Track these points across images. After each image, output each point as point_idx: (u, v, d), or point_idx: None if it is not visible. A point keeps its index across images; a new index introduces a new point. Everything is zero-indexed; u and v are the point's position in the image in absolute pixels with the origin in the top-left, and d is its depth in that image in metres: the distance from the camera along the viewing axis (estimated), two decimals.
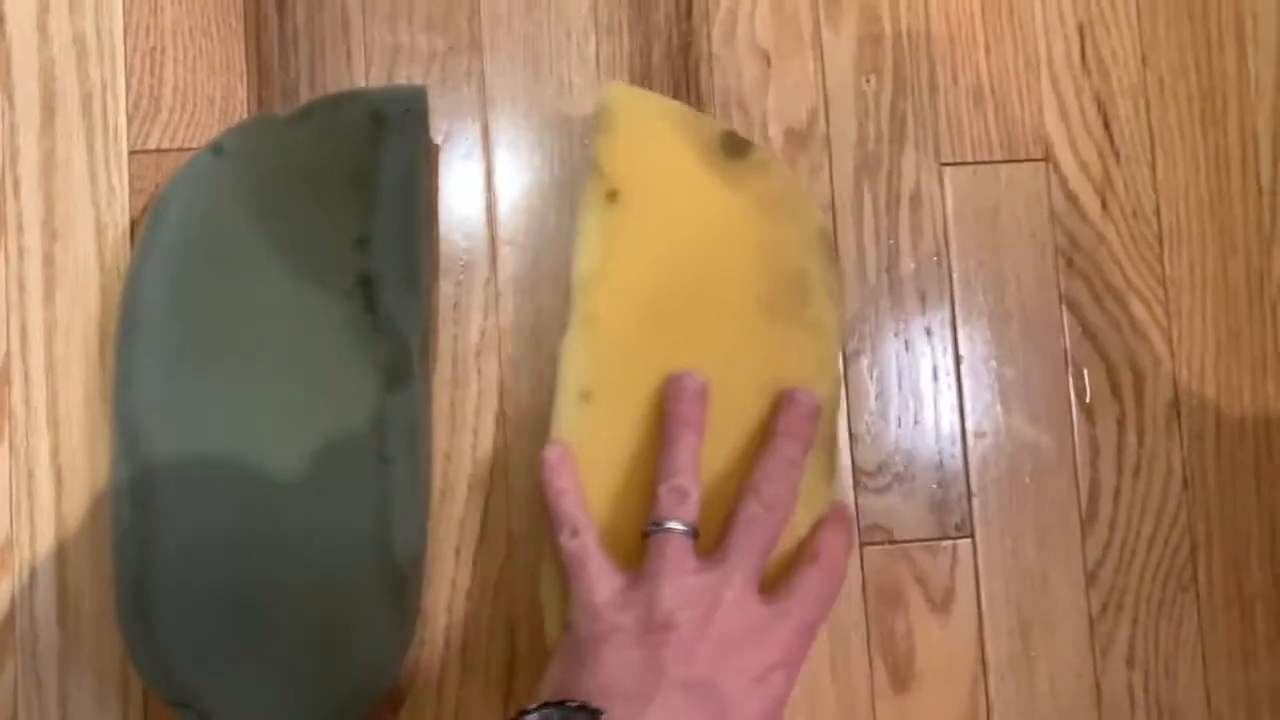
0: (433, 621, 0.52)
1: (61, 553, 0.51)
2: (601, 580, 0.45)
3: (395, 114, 0.50)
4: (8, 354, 0.52)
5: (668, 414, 0.48)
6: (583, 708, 0.40)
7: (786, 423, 0.47)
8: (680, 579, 0.44)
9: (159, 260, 0.49)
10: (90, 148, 0.53)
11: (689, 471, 0.46)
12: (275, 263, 0.49)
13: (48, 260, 0.53)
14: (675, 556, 0.45)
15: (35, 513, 0.51)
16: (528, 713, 0.40)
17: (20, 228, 0.53)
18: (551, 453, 0.47)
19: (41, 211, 0.53)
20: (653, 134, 0.51)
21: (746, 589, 0.45)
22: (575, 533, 0.46)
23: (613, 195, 0.50)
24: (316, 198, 0.50)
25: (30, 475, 0.51)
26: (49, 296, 0.52)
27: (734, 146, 0.51)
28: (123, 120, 0.54)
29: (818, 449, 0.49)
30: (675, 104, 0.53)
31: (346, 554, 0.48)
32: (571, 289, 0.49)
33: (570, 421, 0.48)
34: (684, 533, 0.45)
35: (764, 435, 0.48)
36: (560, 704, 0.40)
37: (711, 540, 0.46)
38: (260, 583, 0.48)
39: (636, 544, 0.46)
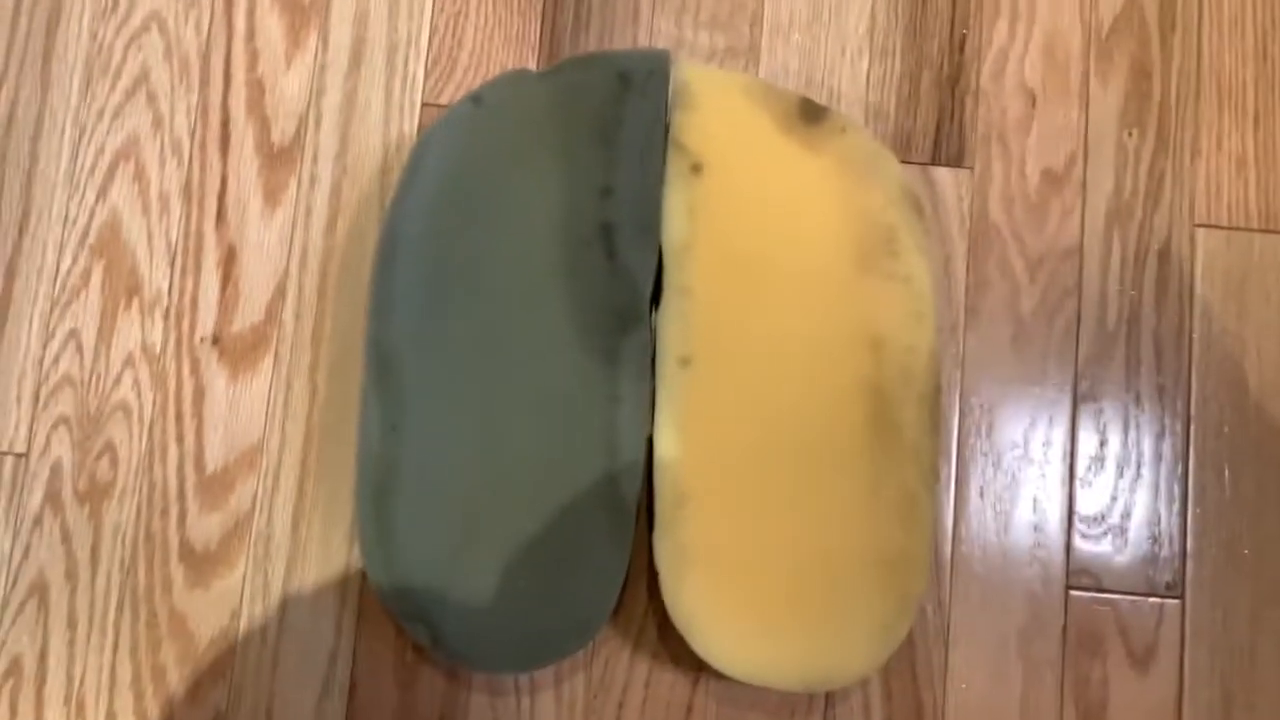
0: None
1: (305, 462, 0.54)
2: None
3: (640, 75, 0.53)
4: (286, 272, 0.56)
5: None
6: None
7: None
8: None
9: (418, 199, 0.52)
10: (389, 94, 0.57)
11: None
12: (524, 207, 0.52)
13: (335, 191, 0.57)
14: None
15: (288, 421, 0.55)
16: None
17: (315, 158, 0.57)
18: None
19: (336, 146, 0.57)
20: (730, 107, 0.53)
21: None
22: None
23: (696, 168, 0.51)
24: (565, 149, 0.52)
25: (289, 386, 0.55)
26: (331, 225, 0.56)
27: (811, 112, 0.53)
28: (421, 73, 0.58)
29: (919, 402, 0.50)
30: (748, 77, 0.54)
31: (577, 488, 0.50)
32: (664, 261, 0.51)
33: (671, 386, 0.50)
34: None
35: (858, 389, 0.49)
36: None
37: (798, 482, 0.47)
38: (495, 511, 0.50)
39: (732, 500, 0.47)
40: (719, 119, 0.53)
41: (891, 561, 0.49)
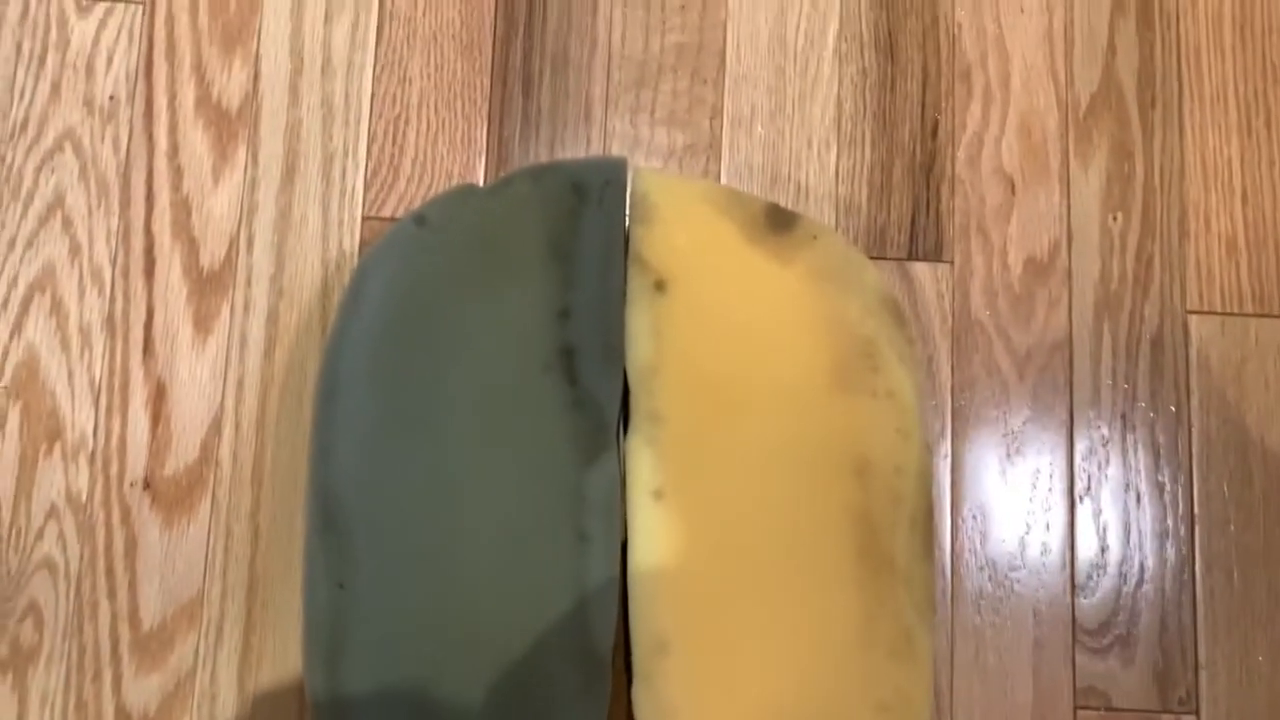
0: None
1: (250, 613, 0.50)
2: None
3: (595, 185, 0.49)
4: (221, 407, 0.52)
5: None
6: None
7: None
8: None
9: (359, 331, 0.49)
10: (326, 209, 0.54)
11: None
12: (475, 335, 0.48)
13: (271, 316, 0.53)
14: None
15: (230, 569, 0.50)
16: None
17: (249, 281, 0.53)
18: None
19: (271, 268, 0.53)
20: (693, 218, 0.49)
21: None
22: None
23: (660, 285, 0.48)
24: (517, 268, 0.49)
25: (229, 531, 0.51)
26: (269, 353, 0.52)
27: (779, 220, 0.49)
28: (360, 185, 0.54)
29: (910, 527, 0.46)
30: (711, 184, 0.51)
31: (545, 640, 0.46)
32: (630, 386, 0.47)
33: (644, 521, 0.46)
34: None
35: (844, 517, 0.46)
36: None
37: (784, 623, 0.45)
38: (456, 669, 0.46)
39: (716, 646, 0.44)
40: (682, 232, 0.49)
41: (889, 704, 0.46)
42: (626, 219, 0.49)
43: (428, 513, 0.47)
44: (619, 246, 0.49)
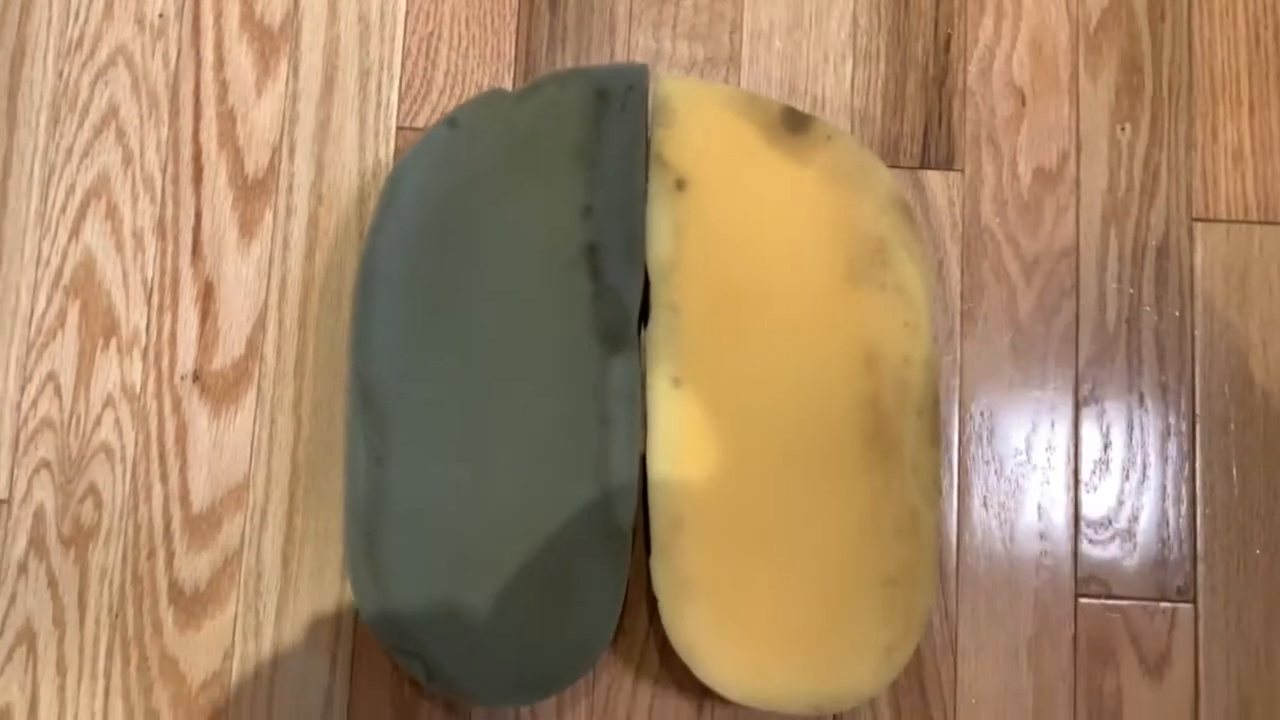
0: None
1: (293, 497, 0.53)
2: None
3: (619, 91, 0.52)
4: (265, 305, 0.55)
5: None
6: None
7: None
8: None
9: (395, 229, 0.51)
10: (362, 120, 0.56)
11: None
12: (504, 232, 0.51)
13: (312, 221, 0.55)
14: None
15: (274, 456, 0.54)
16: None
17: (291, 188, 0.56)
18: None
19: (311, 175, 0.56)
20: (713, 120, 0.51)
21: None
22: None
23: (680, 184, 0.50)
24: (544, 169, 0.51)
25: (273, 421, 0.54)
26: (309, 255, 0.55)
27: (795, 122, 0.51)
28: (395, 98, 0.56)
29: (918, 415, 0.49)
30: (730, 88, 0.53)
31: (570, 515, 0.49)
32: (651, 280, 0.50)
33: (663, 407, 0.49)
34: None
35: (854, 404, 0.49)
36: None
37: (796, 502, 0.47)
38: (487, 540, 0.48)
39: (730, 523, 0.47)
40: (701, 133, 0.51)
41: (895, 579, 0.48)
42: (648, 123, 0.52)
43: (460, 396, 0.50)
44: (641, 148, 0.51)
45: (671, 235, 0.50)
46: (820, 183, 0.51)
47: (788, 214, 0.51)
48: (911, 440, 0.49)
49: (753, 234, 0.51)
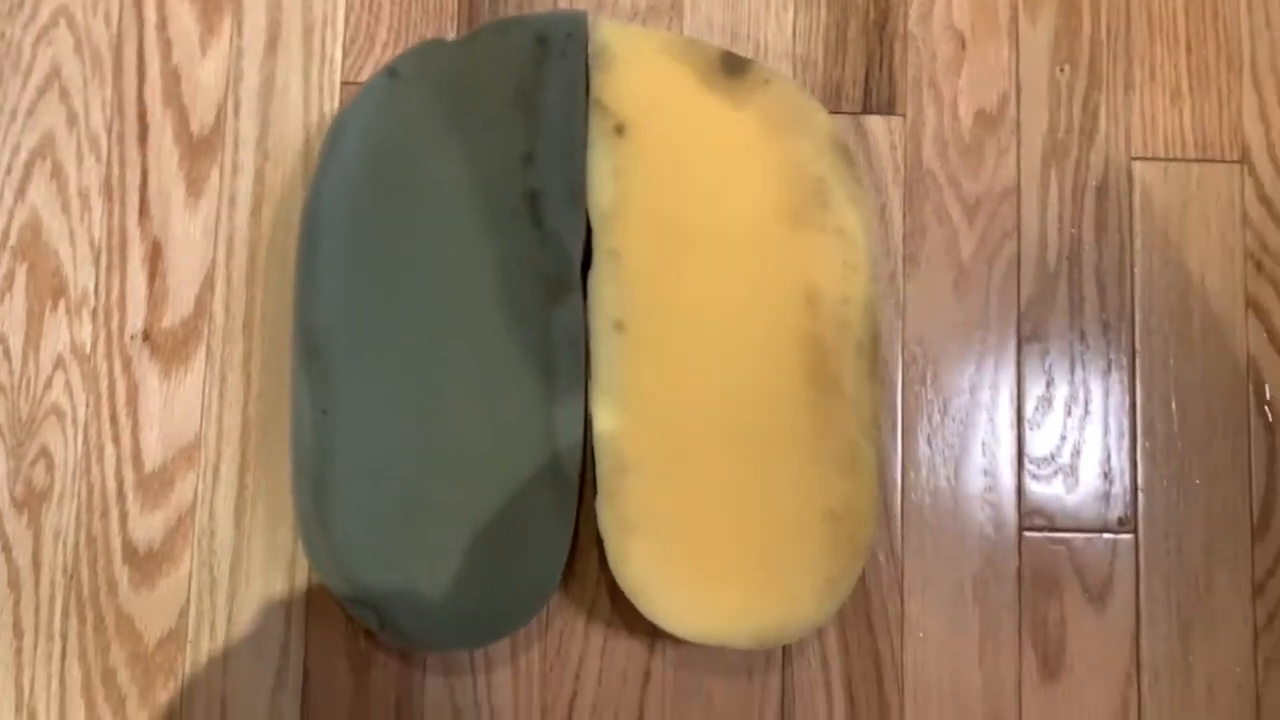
0: None
1: (244, 454, 0.54)
2: None
3: (558, 37, 0.52)
4: (213, 261, 0.55)
5: None
6: None
7: None
8: None
9: (338, 178, 0.51)
10: (307, 76, 0.56)
11: None
12: (446, 179, 0.51)
13: (258, 178, 0.56)
14: None
15: (224, 414, 0.54)
16: None
17: (236, 145, 0.56)
18: None
19: (257, 132, 0.56)
20: (651, 65, 0.52)
21: None
22: None
23: (620, 129, 0.51)
24: (485, 117, 0.52)
25: (223, 379, 0.54)
26: (256, 212, 0.55)
27: (733, 65, 0.52)
28: (339, 53, 0.57)
29: (857, 353, 0.50)
30: (668, 33, 0.53)
31: (517, 461, 0.49)
32: (593, 226, 0.50)
33: (606, 352, 0.49)
34: None
35: (795, 343, 0.49)
36: None
37: (738, 440, 0.47)
38: (435, 488, 0.49)
39: (673, 463, 0.47)
40: (640, 78, 0.52)
41: (837, 513, 0.49)
42: (588, 70, 0.52)
43: (404, 345, 0.50)
44: (580, 95, 0.51)
45: (612, 181, 0.51)
46: (759, 126, 0.52)
47: (727, 157, 0.51)
48: (852, 378, 0.50)
49: (692, 178, 0.51)
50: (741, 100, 0.52)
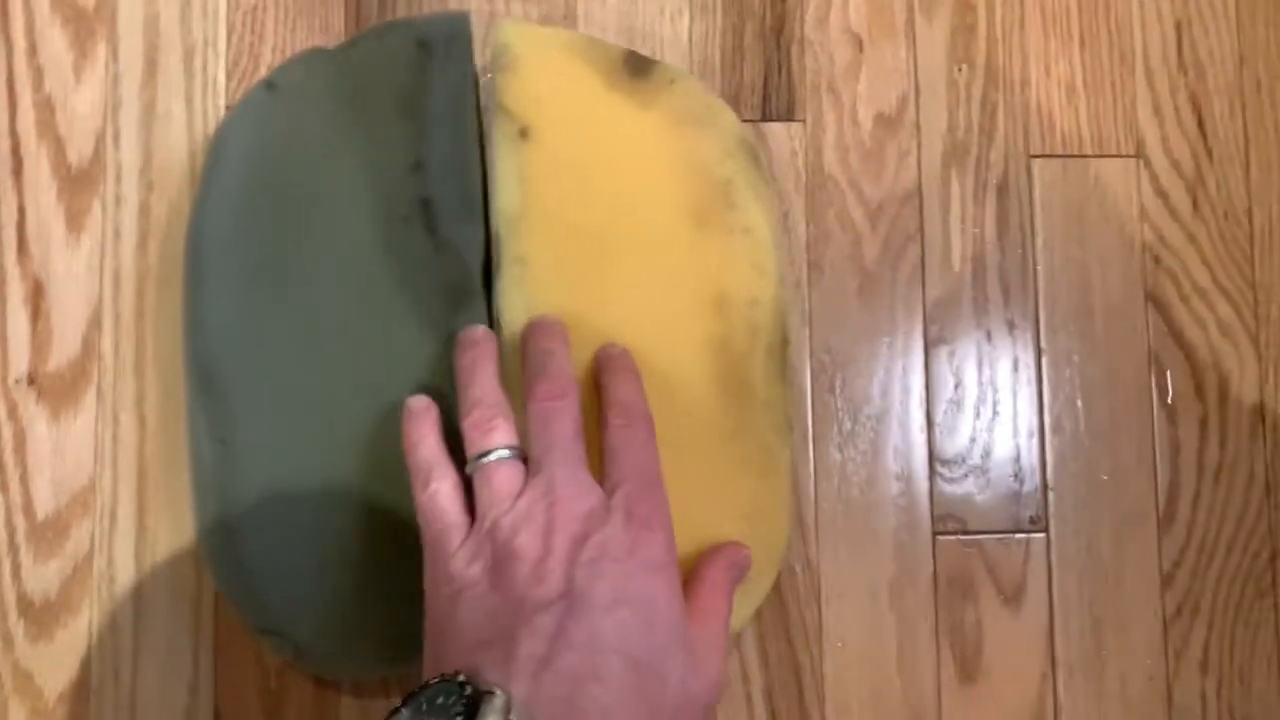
0: None
1: (142, 496, 0.52)
2: (450, 535, 0.42)
3: (440, 40, 0.51)
4: (100, 300, 0.53)
5: (455, 363, 0.47)
6: (446, 680, 0.37)
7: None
8: (511, 502, 0.42)
9: (220, 199, 0.50)
10: (189, 101, 0.54)
11: (487, 400, 0.44)
12: (334, 192, 0.50)
13: (143, 209, 0.54)
14: (503, 482, 0.43)
15: (119, 456, 0.52)
16: (396, 711, 0.37)
17: (119, 176, 0.54)
18: (416, 402, 0.47)
19: (139, 161, 0.54)
20: (555, 66, 0.51)
21: (577, 479, 0.42)
22: (428, 483, 0.44)
23: (524, 133, 0.50)
24: (370, 126, 0.50)
25: (116, 420, 0.52)
26: (142, 245, 0.53)
27: (638, 66, 0.51)
28: (222, 75, 0.55)
29: (768, 355, 0.49)
30: (571, 33, 0.53)
31: None
32: (498, 233, 0.49)
33: (514, 362, 0.48)
34: (505, 458, 0.43)
35: (705, 346, 0.49)
36: (424, 687, 0.37)
37: (661, 442, 0.47)
38: (343, 510, 0.48)
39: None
40: (544, 79, 0.51)
41: (751, 515, 0.49)
42: (475, 71, 0.51)
43: (301, 366, 0.49)
44: (470, 99, 0.50)
45: (517, 186, 0.49)
46: (665, 127, 0.51)
47: (633, 160, 0.51)
48: (762, 379, 0.49)
49: (599, 181, 0.50)
50: (647, 101, 0.51)
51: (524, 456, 0.44)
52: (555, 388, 0.45)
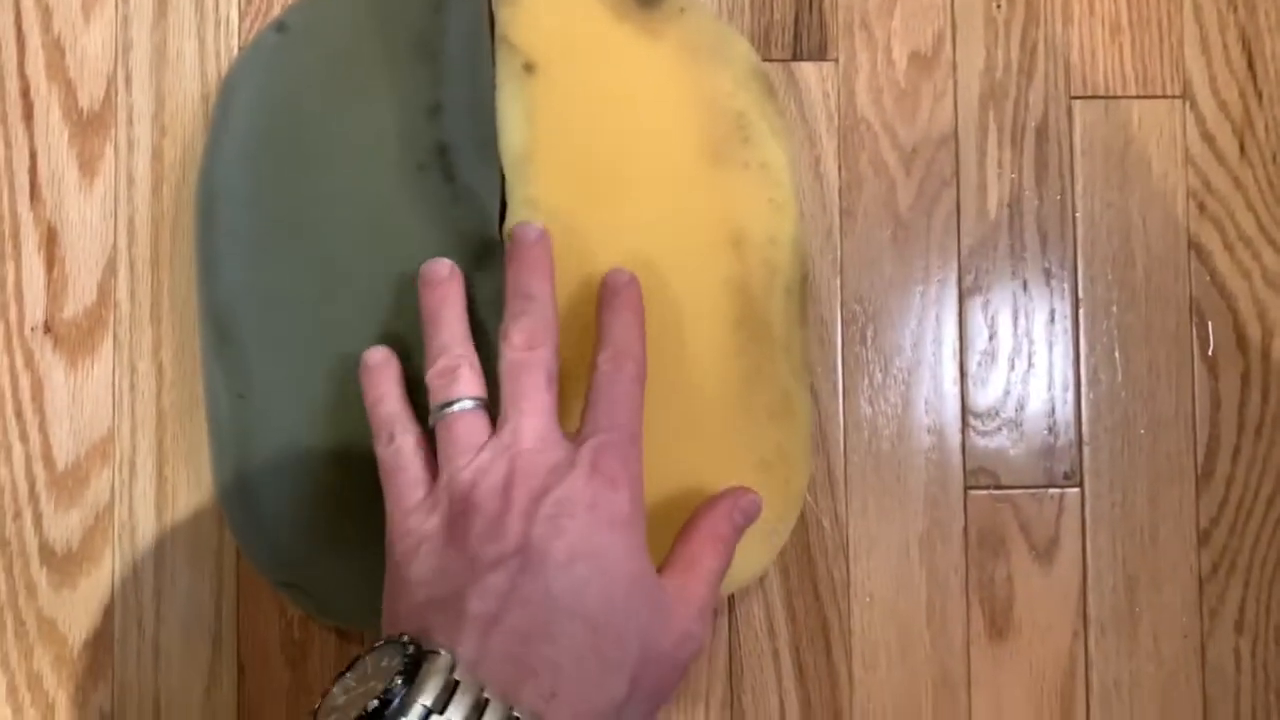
0: None
1: (161, 446, 0.51)
2: (410, 490, 0.41)
3: None
4: (114, 247, 0.52)
5: (421, 304, 0.45)
6: (391, 642, 0.36)
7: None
8: (473, 454, 0.41)
9: (231, 145, 0.48)
10: (201, 42, 0.53)
11: (454, 346, 0.43)
12: (349, 137, 0.48)
13: (156, 154, 0.52)
14: (465, 433, 0.41)
15: (137, 405, 0.51)
16: (340, 677, 0.37)
17: (130, 121, 0.52)
18: (373, 356, 0.45)
19: (151, 105, 0.52)
20: None
21: (542, 431, 0.41)
22: (391, 438, 0.43)
23: (529, 67, 0.48)
24: (384, 68, 0.48)
25: (133, 368, 0.52)
26: (156, 191, 0.52)
27: None
28: (235, 14, 0.53)
29: (786, 295, 0.48)
30: None
31: None
32: (506, 174, 0.47)
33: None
34: (468, 408, 0.42)
35: (722, 288, 0.47)
36: (371, 650, 0.37)
37: (665, 392, 0.45)
38: (362, 463, 0.47)
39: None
40: (549, 11, 0.49)
41: (770, 461, 0.48)
42: (491, 8, 0.49)
43: (317, 318, 0.48)
44: (485, 38, 0.48)
45: (524, 124, 0.48)
46: (676, 58, 0.49)
47: (644, 93, 0.49)
48: (781, 321, 0.48)
49: (609, 117, 0.48)
50: (657, 31, 0.49)
51: (489, 406, 0.43)
52: (532, 337, 0.43)
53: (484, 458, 0.41)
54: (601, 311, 0.45)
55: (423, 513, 0.41)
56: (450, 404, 0.42)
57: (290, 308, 0.47)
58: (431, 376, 0.43)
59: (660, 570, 0.42)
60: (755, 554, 0.48)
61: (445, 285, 0.45)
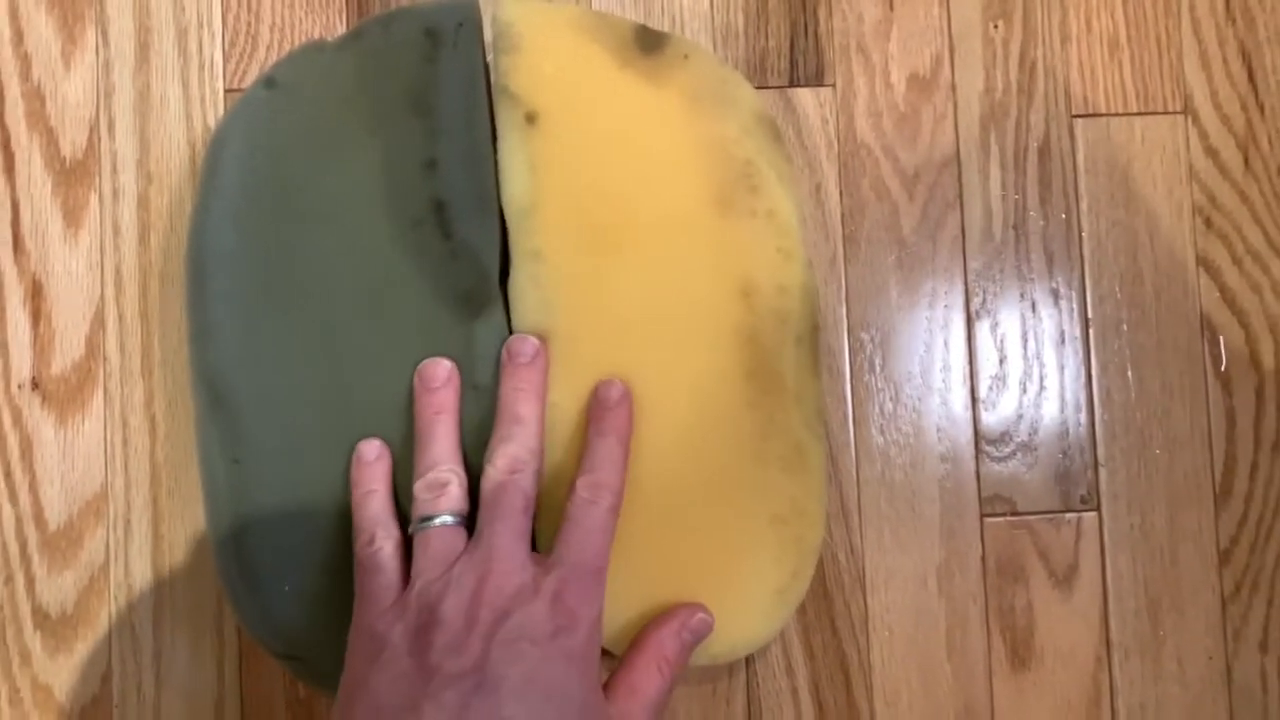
0: None
1: (156, 503, 0.50)
2: (383, 593, 0.42)
3: (449, 28, 0.47)
4: (102, 298, 0.50)
5: (416, 408, 0.45)
6: None
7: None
8: (444, 569, 0.42)
9: (222, 205, 0.47)
10: (186, 86, 0.52)
11: (445, 462, 0.44)
12: (342, 196, 0.47)
13: (142, 202, 0.51)
14: (442, 548, 0.42)
15: (130, 461, 0.50)
16: None
17: (115, 168, 0.51)
18: (367, 450, 0.45)
19: (136, 151, 0.51)
20: (560, 44, 0.48)
21: (513, 552, 0.42)
22: (372, 540, 0.43)
23: (531, 118, 0.47)
24: (377, 123, 0.47)
25: (125, 423, 0.50)
26: (143, 240, 0.51)
27: (649, 41, 0.48)
28: (219, 57, 0.52)
29: (797, 345, 0.47)
30: (576, 8, 0.49)
31: None
32: (509, 227, 0.47)
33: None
34: (449, 524, 0.43)
35: (732, 339, 0.47)
36: None
37: (676, 447, 0.46)
38: None
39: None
40: (549, 59, 0.48)
41: (784, 517, 0.46)
42: (487, 58, 0.48)
43: (313, 382, 0.46)
44: (481, 91, 0.47)
45: (527, 175, 0.47)
46: (680, 105, 0.48)
47: (649, 142, 0.48)
48: (793, 371, 0.47)
49: (614, 166, 0.47)
50: (661, 79, 0.48)
51: (463, 521, 0.44)
52: (515, 462, 0.44)
53: (454, 573, 0.41)
54: (589, 427, 0.45)
55: (390, 617, 0.41)
56: (432, 518, 0.43)
57: (285, 372, 0.46)
58: (419, 488, 0.44)
59: (605, 690, 0.42)
60: (767, 616, 0.47)
61: (442, 392, 0.45)
